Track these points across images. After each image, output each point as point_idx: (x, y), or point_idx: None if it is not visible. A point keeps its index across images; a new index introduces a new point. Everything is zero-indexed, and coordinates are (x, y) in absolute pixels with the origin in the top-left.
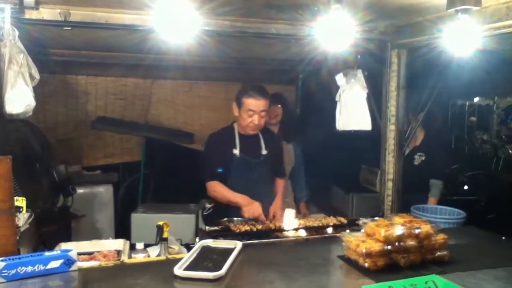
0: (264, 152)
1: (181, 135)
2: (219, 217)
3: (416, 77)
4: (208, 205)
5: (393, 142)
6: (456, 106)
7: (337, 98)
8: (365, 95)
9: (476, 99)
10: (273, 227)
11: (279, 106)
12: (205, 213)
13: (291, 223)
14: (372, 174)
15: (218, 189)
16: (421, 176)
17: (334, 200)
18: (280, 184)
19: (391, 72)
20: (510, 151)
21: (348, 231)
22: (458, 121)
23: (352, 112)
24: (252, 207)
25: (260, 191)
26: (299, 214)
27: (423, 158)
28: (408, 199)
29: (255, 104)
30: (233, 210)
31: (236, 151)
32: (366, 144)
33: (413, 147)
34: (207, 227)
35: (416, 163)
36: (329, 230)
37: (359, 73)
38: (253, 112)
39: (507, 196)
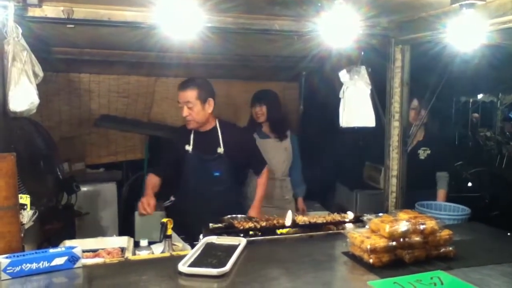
0: (220, 150)
1: None
2: (177, 211)
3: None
4: (172, 198)
5: (397, 139)
6: (459, 103)
7: (340, 95)
8: (369, 92)
9: (480, 96)
10: (278, 224)
11: (263, 105)
12: (164, 205)
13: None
14: (376, 171)
15: (147, 181)
16: (428, 170)
17: (338, 197)
18: (260, 184)
19: (395, 68)
20: None
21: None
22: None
23: (355, 108)
24: (142, 202)
25: (216, 190)
26: (297, 210)
27: (428, 152)
28: (415, 195)
29: (180, 95)
30: (191, 204)
31: (189, 148)
32: (370, 141)
33: (417, 142)
34: (211, 224)
35: (421, 157)
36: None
37: (363, 70)
38: (180, 104)
39: (511, 192)
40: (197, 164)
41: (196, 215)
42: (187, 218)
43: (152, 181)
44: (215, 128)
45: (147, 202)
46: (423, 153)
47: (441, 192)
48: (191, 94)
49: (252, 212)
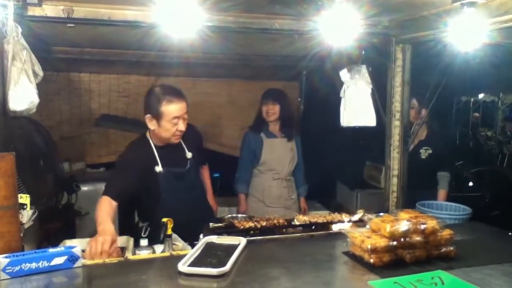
0: (189, 155)
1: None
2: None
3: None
4: (141, 224)
5: (398, 138)
6: (460, 103)
7: (341, 94)
8: (370, 91)
9: (481, 95)
10: (278, 224)
11: (277, 103)
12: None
13: None
14: (377, 170)
15: (100, 206)
16: (429, 170)
17: (338, 196)
18: (205, 173)
19: (395, 67)
20: None
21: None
22: (463, 117)
23: (356, 108)
24: (96, 240)
25: (196, 197)
26: (300, 210)
27: (430, 151)
28: (415, 195)
29: (177, 109)
30: (177, 223)
31: (159, 168)
32: (371, 140)
33: (418, 142)
34: (211, 224)
35: (423, 156)
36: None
37: (364, 69)
38: (178, 118)
39: None
40: (172, 180)
41: (185, 230)
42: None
43: (107, 207)
44: None
45: (103, 240)
46: (424, 153)
47: (442, 192)
48: (186, 104)
49: (212, 201)
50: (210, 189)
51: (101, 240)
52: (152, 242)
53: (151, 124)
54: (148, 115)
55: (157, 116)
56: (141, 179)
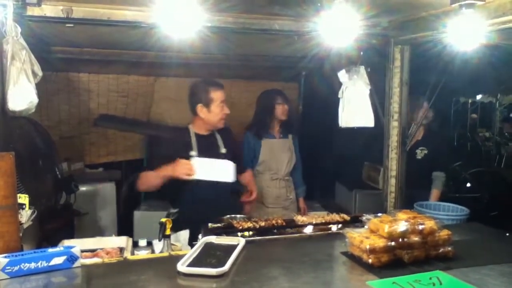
0: (223, 150)
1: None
2: (185, 220)
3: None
4: (172, 210)
5: (396, 139)
6: (458, 104)
7: (339, 95)
8: (368, 92)
9: (479, 96)
10: (276, 224)
11: (286, 103)
12: (172, 219)
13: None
14: (375, 171)
15: (143, 175)
16: (424, 170)
17: (337, 197)
18: (249, 176)
19: (394, 68)
20: None
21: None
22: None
23: (355, 108)
24: (177, 167)
25: (222, 189)
26: (299, 210)
27: (426, 151)
28: (411, 194)
29: (222, 94)
30: (202, 210)
31: (194, 153)
32: (369, 141)
33: (415, 142)
34: (210, 224)
35: (418, 157)
36: (333, 227)
37: (362, 70)
38: (223, 102)
39: (509, 193)
40: (204, 170)
41: (209, 220)
42: (200, 224)
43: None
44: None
45: (182, 164)
46: (420, 153)
47: (435, 192)
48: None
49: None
50: (254, 191)
51: (181, 164)
52: (177, 227)
53: (202, 112)
54: (199, 104)
55: (207, 103)
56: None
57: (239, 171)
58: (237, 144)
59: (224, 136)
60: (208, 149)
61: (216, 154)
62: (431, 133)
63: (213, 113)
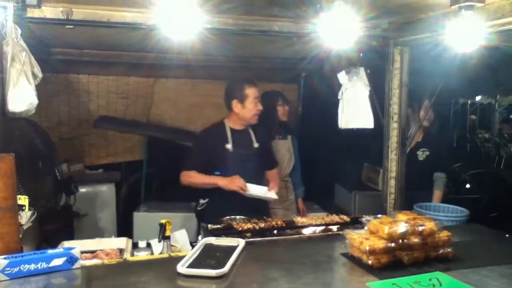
0: (255, 145)
1: (184, 134)
2: (214, 212)
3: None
4: (202, 201)
5: (395, 140)
6: (458, 105)
7: (339, 96)
8: (368, 93)
9: (478, 98)
10: (276, 225)
11: (286, 104)
12: (199, 208)
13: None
14: (375, 172)
15: (192, 175)
16: (426, 171)
17: (336, 198)
18: (275, 174)
19: (393, 70)
20: None
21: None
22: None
23: (354, 110)
24: (232, 181)
25: (254, 182)
26: (298, 211)
27: (427, 153)
28: (413, 196)
29: (256, 90)
30: (227, 203)
31: (229, 146)
32: (369, 142)
33: (415, 144)
34: (209, 225)
35: (420, 158)
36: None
37: (362, 71)
38: (256, 98)
39: (509, 194)
40: (238, 161)
41: (237, 213)
42: (228, 216)
43: (198, 173)
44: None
45: (237, 179)
46: (421, 154)
47: (437, 193)
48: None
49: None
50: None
51: (236, 179)
52: (203, 219)
53: (237, 108)
54: (235, 100)
55: (242, 99)
56: (214, 154)
57: (268, 166)
58: (269, 140)
59: (257, 132)
60: (241, 143)
61: (249, 148)
62: (431, 135)
63: (247, 108)
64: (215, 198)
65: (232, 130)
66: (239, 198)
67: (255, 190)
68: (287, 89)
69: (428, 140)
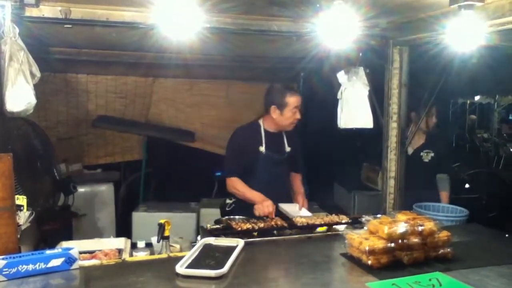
0: (287, 149)
1: (182, 134)
2: (242, 212)
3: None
4: (229, 201)
5: (395, 140)
6: (457, 105)
7: (338, 96)
8: (367, 93)
9: (477, 98)
10: (275, 225)
11: None
12: (227, 209)
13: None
14: (374, 172)
15: (237, 186)
16: (431, 172)
17: (336, 198)
18: (299, 180)
19: (393, 69)
20: (511, 149)
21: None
22: (460, 119)
23: (353, 110)
24: (263, 205)
25: (280, 186)
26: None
27: (432, 154)
28: (415, 196)
29: (297, 100)
30: (252, 204)
31: (262, 148)
32: (368, 142)
33: (419, 145)
34: (208, 225)
35: (425, 160)
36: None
37: (361, 71)
38: (296, 108)
39: (508, 193)
40: (268, 164)
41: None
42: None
43: (242, 183)
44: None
45: (268, 204)
46: (426, 156)
47: (444, 195)
48: (301, 98)
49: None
50: (300, 191)
51: (266, 204)
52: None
53: (275, 114)
54: (273, 106)
55: (282, 106)
56: (246, 155)
57: (295, 169)
58: (299, 145)
59: (289, 136)
60: (274, 146)
61: (281, 152)
62: (433, 136)
63: (285, 116)
64: (241, 200)
65: (266, 132)
66: (274, 194)
67: (288, 208)
68: None
69: (431, 141)
